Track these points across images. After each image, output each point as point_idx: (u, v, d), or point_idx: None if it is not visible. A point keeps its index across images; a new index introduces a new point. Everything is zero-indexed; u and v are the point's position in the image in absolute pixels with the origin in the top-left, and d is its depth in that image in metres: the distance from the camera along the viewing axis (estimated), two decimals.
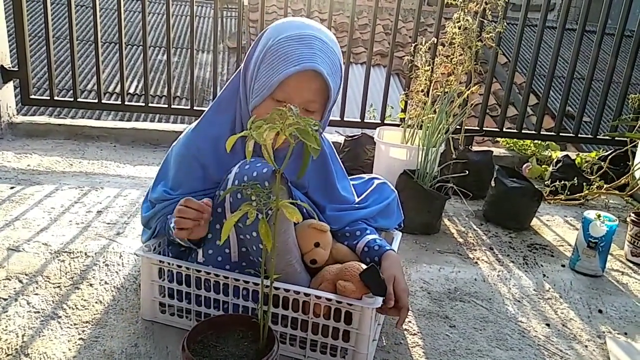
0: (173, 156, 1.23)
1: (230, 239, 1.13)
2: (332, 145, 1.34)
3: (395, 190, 1.42)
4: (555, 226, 2.09)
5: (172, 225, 1.11)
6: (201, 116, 1.23)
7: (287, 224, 1.10)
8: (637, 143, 2.44)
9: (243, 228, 1.09)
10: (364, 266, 1.10)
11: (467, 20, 2.12)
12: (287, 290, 1.08)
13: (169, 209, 1.19)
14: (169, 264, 1.17)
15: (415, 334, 1.28)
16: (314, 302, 1.08)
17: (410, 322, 1.33)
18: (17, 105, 2.79)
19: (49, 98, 2.71)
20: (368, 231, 1.28)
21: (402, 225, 1.46)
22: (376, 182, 1.41)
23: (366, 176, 1.46)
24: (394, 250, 1.23)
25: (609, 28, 2.67)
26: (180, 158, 1.21)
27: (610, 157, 2.48)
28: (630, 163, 2.45)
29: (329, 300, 1.06)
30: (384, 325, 1.30)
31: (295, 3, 6.88)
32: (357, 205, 1.33)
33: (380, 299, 1.06)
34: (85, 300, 1.30)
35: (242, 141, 1.17)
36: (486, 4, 2.18)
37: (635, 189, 2.22)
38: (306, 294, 1.08)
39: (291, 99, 1.08)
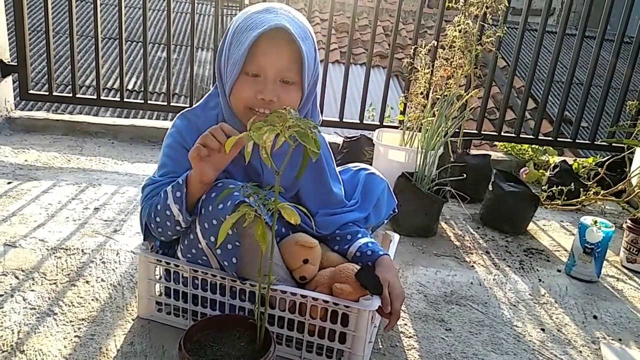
0: (162, 149, 1.22)
1: (208, 257, 1.12)
2: (329, 147, 1.32)
3: (385, 179, 1.39)
4: (552, 231, 2.10)
5: (169, 189, 1.09)
6: (191, 108, 1.23)
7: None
8: (634, 150, 2.45)
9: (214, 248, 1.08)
10: (357, 267, 1.10)
11: (468, 24, 2.12)
12: (284, 292, 1.08)
13: (156, 192, 1.16)
14: (166, 263, 1.17)
15: (411, 337, 1.29)
16: (311, 305, 1.08)
17: (406, 324, 1.34)
18: (15, 99, 2.78)
19: (47, 93, 2.70)
20: (360, 234, 1.25)
21: (396, 210, 1.43)
22: (364, 173, 1.37)
23: (353, 167, 1.41)
24: (387, 255, 1.22)
25: (608, 34, 2.68)
26: (168, 149, 1.19)
27: (607, 163, 2.49)
28: (627, 169, 2.46)
29: (326, 302, 1.06)
30: (380, 327, 1.30)
31: (296, 2, 6.87)
32: (348, 209, 1.30)
33: (377, 302, 1.06)
34: (81, 297, 1.30)
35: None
36: (487, 8, 2.18)
37: (632, 195, 2.23)
38: (303, 296, 1.08)
39: (264, 69, 1.06)
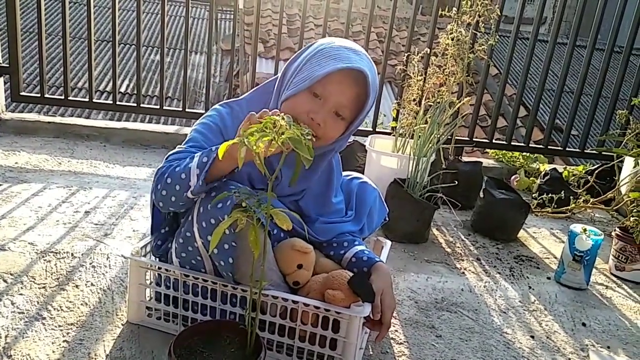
0: (197, 126, 1.19)
1: (202, 257, 1.13)
2: (340, 161, 1.33)
3: (377, 188, 1.40)
4: (542, 238, 2.12)
5: (198, 154, 1.07)
6: (236, 99, 1.23)
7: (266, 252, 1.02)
8: (624, 158, 2.48)
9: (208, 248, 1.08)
10: (350, 274, 1.10)
11: (460, 32, 2.14)
12: (275, 298, 1.08)
13: (179, 156, 1.12)
14: (157, 267, 1.17)
15: (401, 343, 1.29)
16: (302, 311, 1.08)
17: (397, 331, 1.34)
18: (6, 101, 2.76)
19: (39, 95, 2.68)
20: (356, 242, 1.27)
21: (387, 219, 1.44)
22: (356, 182, 1.39)
23: (345, 175, 1.42)
24: (383, 262, 1.23)
25: (599, 43, 2.72)
26: (203, 126, 1.18)
27: (597, 171, 2.51)
28: (616, 178, 2.49)
29: (317, 308, 1.06)
30: (371, 334, 1.30)
31: (290, 8, 6.90)
32: (346, 219, 1.32)
33: (368, 308, 1.07)
34: (70, 301, 1.29)
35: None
36: (479, 16, 2.20)
37: (621, 203, 2.25)
38: (294, 302, 1.08)
39: (328, 96, 1.09)
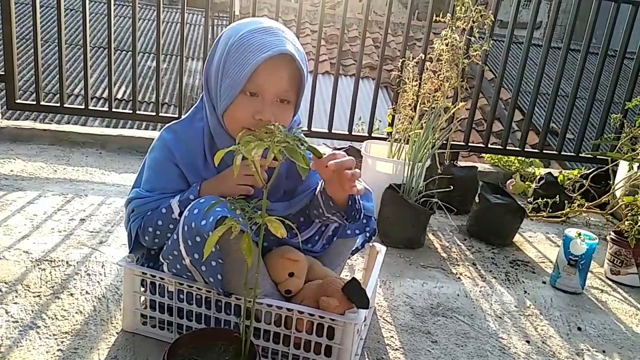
0: (147, 162, 1.21)
1: (192, 273, 1.12)
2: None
3: (371, 189, 1.36)
4: (537, 243, 2.12)
5: (172, 203, 1.13)
6: (177, 121, 1.22)
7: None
8: (618, 162, 2.49)
9: (198, 260, 1.07)
10: (344, 280, 1.10)
11: (455, 38, 2.15)
12: (269, 306, 1.08)
13: (145, 208, 1.17)
14: (152, 275, 1.16)
15: (397, 349, 1.29)
16: (297, 318, 1.08)
17: (392, 337, 1.34)
18: (2, 109, 2.76)
19: (35, 103, 2.68)
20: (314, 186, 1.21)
21: (374, 227, 1.34)
22: None
23: None
24: None
25: (593, 47, 2.74)
26: (155, 162, 1.18)
27: (591, 175, 2.52)
28: (611, 182, 2.50)
29: (312, 315, 1.06)
30: (367, 340, 1.30)
31: (287, 14, 6.93)
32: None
33: (362, 315, 1.07)
34: (65, 310, 1.28)
35: (210, 151, 1.16)
36: (473, 22, 2.21)
37: (616, 207, 2.26)
38: (289, 309, 1.08)
39: (265, 90, 1.06)
